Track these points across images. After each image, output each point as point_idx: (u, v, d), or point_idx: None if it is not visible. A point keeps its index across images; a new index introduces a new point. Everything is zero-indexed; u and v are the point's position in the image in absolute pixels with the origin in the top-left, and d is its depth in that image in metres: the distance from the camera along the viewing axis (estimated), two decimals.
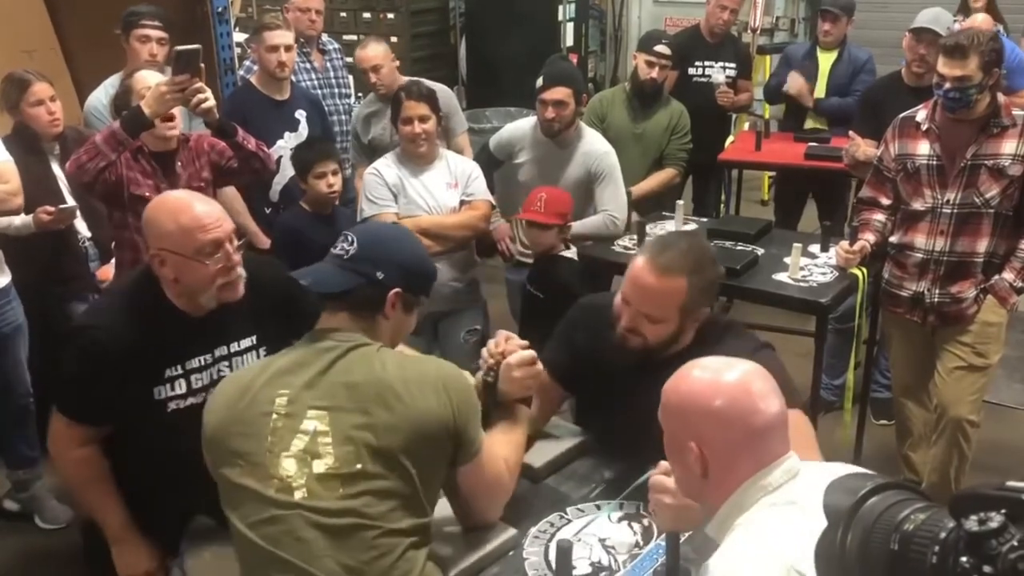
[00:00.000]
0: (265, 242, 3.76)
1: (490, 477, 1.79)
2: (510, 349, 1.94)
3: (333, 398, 1.66)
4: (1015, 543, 0.71)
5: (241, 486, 1.65)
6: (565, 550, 1.72)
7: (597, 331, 2.14)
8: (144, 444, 2.10)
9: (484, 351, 2.02)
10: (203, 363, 2.15)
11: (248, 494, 1.64)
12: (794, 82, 4.78)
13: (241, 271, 2.09)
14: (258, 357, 2.21)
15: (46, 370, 3.16)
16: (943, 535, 0.78)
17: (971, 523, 0.73)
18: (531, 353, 1.94)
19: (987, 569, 0.71)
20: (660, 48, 4.22)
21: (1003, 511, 0.73)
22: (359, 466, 1.61)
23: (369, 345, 1.73)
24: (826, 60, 4.79)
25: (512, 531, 1.87)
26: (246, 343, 2.22)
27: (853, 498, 0.88)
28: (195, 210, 2.05)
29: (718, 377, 1.44)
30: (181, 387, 2.12)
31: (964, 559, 0.73)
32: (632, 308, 2.01)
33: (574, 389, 2.28)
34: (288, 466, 1.62)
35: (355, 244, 1.79)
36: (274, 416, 1.65)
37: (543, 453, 2.15)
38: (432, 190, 3.33)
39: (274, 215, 3.88)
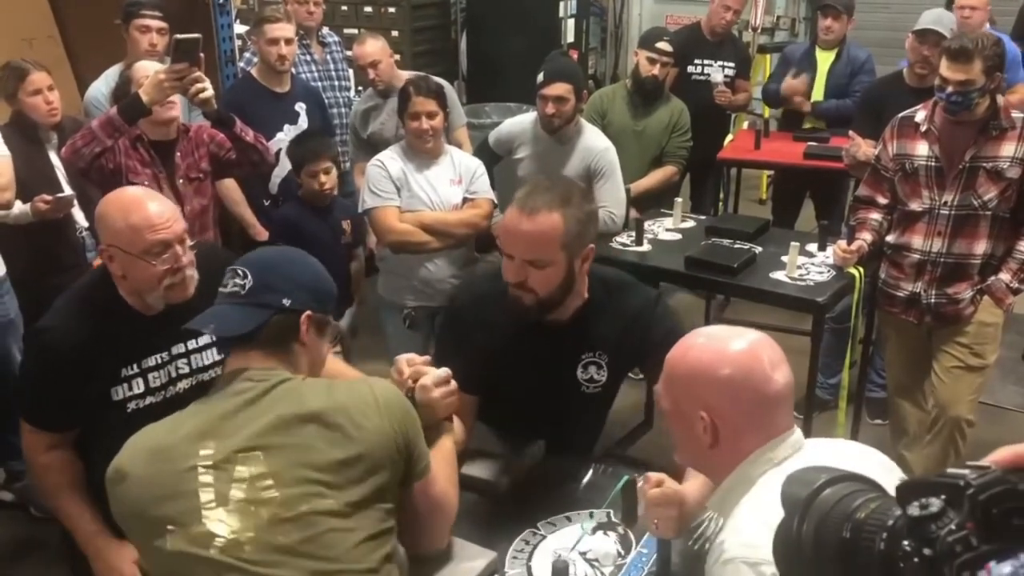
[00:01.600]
0: (263, 234, 3.76)
1: (440, 493, 1.69)
2: (420, 372, 1.82)
3: (266, 438, 1.49)
4: (952, 527, 0.74)
5: (178, 554, 1.44)
6: (562, 570, 1.68)
7: (485, 321, 2.09)
8: (107, 445, 1.99)
9: (403, 372, 1.89)
10: (160, 361, 2.10)
11: (188, 562, 1.44)
12: (789, 84, 4.78)
13: (191, 272, 2.03)
14: (218, 354, 2.14)
15: None
16: (891, 522, 0.80)
17: (913, 508, 0.76)
18: (445, 371, 1.82)
19: (927, 551, 0.74)
20: (662, 45, 4.22)
21: (943, 497, 0.76)
22: (308, 506, 1.45)
23: (292, 379, 1.58)
24: (825, 60, 4.79)
25: (492, 555, 1.79)
26: (204, 340, 2.16)
27: (809, 489, 0.90)
28: (146, 209, 2.00)
29: (727, 345, 1.44)
30: (139, 386, 2.08)
31: (906, 543, 0.76)
32: (516, 260, 1.96)
33: (481, 391, 2.14)
34: (231, 521, 1.44)
35: (249, 276, 1.63)
36: (200, 471, 1.47)
37: (500, 468, 2.09)
38: (436, 186, 3.33)
39: (273, 207, 3.88)
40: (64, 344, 2.01)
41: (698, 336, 1.49)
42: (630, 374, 2.43)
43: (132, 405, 2.08)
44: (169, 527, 1.45)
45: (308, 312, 1.65)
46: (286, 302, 1.62)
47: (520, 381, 2.10)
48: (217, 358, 2.16)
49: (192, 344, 2.15)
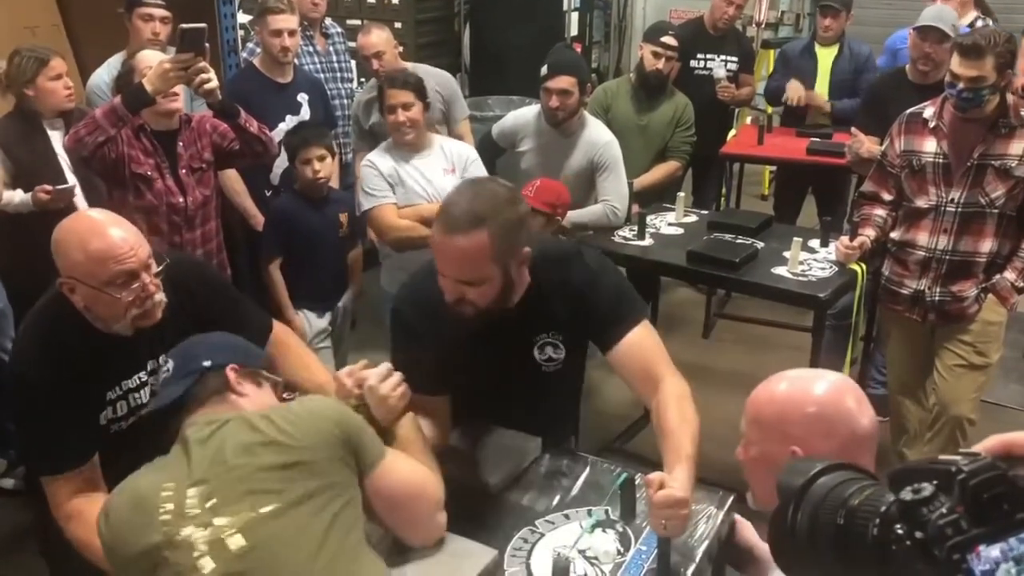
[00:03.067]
0: (261, 222, 3.76)
1: (402, 480, 1.69)
2: (361, 377, 1.83)
3: (212, 469, 1.55)
4: (943, 511, 0.76)
5: None
6: (563, 568, 1.68)
7: (432, 323, 2.02)
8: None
9: (346, 384, 1.89)
10: (140, 381, 2.04)
11: None
12: (794, 91, 4.76)
13: (159, 297, 1.92)
14: None
15: None
16: (883, 508, 0.82)
17: (906, 493, 0.79)
18: (384, 366, 1.84)
19: (918, 535, 0.76)
20: (667, 39, 4.21)
21: (935, 482, 0.78)
22: (260, 510, 1.51)
23: (227, 421, 1.63)
24: (826, 56, 4.78)
25: (492, 552, 1.78)
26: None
27: (804, 478, 0.92)
28: (107, 237, 1.86)
29: (814, 384, 1.47)
30: (122, 408, 2.03)
31: (898, 526, 0.78)
32: (449, 279, 1.90)
33: (447, 390, 2.10)
34: (188, 543, 1.49)
35: (170, 360, 1.80)
36: (160, 515, 1.52)
37: (496, 466, 2.07)
38: (430, 177, 3.31)
39: (274, 198, 3.88)
40: (47, 381, 1.92)
41: (782, 378, 1.50)
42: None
43: (114, 428, 2.03)
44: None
45: (231, 366, 1.76)
46: (206, 363, 1.74)
47: (481, 374, 2.06)
48: None
49: (163, 359, 2.03)
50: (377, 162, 3.30)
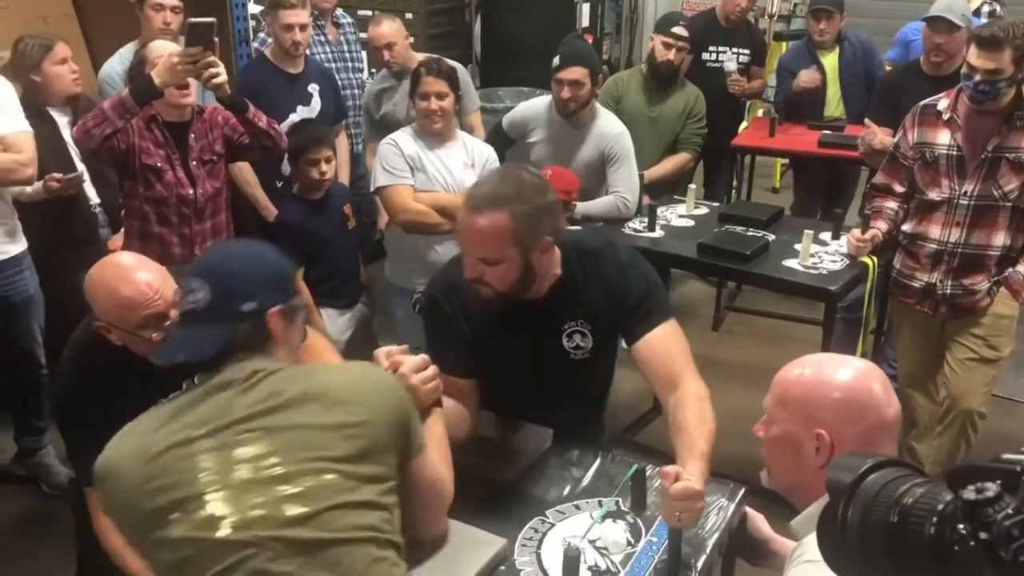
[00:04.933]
0: (273, 213, 3.76)
1: (435, 473, 1.69)
2: (398, 362, 1.78)
3: (265, 420, 1.48)
4: (1010, 511, 0.74)
5: (184, 540, 1.42)
6: (573, 558, 1.68)
7: (463, 307, 2.07)
8: None
9: (382, 363, 1.87)
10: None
11: (195, 547, 1.41)
12: (809, 78, 4.69)
13: None
14: None
15: (53, 340, 3.16)
16: (940, 507, 0.80)
17: (968, 493, 0.77)
18: (422, 357, 1.80)
19: (983, 535, 0.74)
20: (678, 30, 4.19)
21: (998, 482, 0.77)
22: (314, 481, 1.45)
23: (280, 368, 1.56)
24: (831, 60, 4.73)
25: (502, 541, 1.79)
26: None
27: (854, 475, 0.90)
28: (133, 284, 1.93)
29: (842, 368, 1.47)
30: None
31: (961, 527, 0.76)
32: (469, 258, 1.95)
33: (477, 375, 2.11)
34: (236, 501, 1.43)
35: (205, 289, 1.55)
36: (200, 458, 1.45)
37: (508, 456, 2.08)
38: (451, 168, 3.31)
39: (286, 188, 3.88)
40: (88, 401, 2.00)
41: (811, 361, 1.50)
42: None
43: None
44: (171, 516, 1.43)
45: (275, 308, 1.59)
46: (248, 306, 1.56)
47: (510, 360, 2.09)
48: None
49: (199, 379, 2.11)
50: (401, 143, 3.30)
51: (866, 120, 3.91)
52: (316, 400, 1.51)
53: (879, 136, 3.66)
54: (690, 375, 1.99)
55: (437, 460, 1.71)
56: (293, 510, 1.43)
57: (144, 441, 1.50)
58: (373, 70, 5.05)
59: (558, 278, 2.07)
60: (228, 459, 1.45)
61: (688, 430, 1.87)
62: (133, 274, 1.96)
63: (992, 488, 0.76)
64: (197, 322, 1.56)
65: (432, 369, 1.81)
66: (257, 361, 1.56)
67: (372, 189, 3.38)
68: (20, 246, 3.18)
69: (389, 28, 4.07)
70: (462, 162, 3.33)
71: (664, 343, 2.04)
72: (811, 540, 1.35)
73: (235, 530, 1.41)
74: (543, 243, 1.95)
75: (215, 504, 1.43)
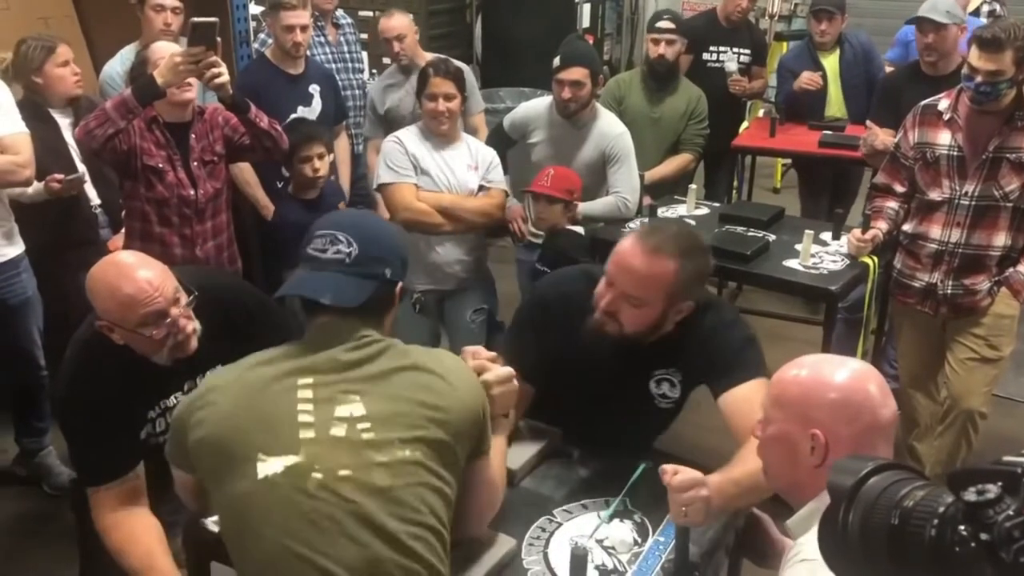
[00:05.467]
0: (272, 211, 3.76)
1: (492, 476, 1.74)
2: (484, 367, 1.83)
3: (367, 384, 1.56)
4: (1011, 512, 0.75)
5: (268, 483, 1.48)
6: (581, 557, 1.68)
7: (566, 320, 2.05)
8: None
9: (468, 362, 1.92)
10: (178, 401, 2.09)
11: (276, 492, 1.48)
12: (809, 79, 4.68)
13: (190, 328, 2.00)
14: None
15: (53, 340, 3.16)
16: (942, 509, 0.81)
17: (969, 495, 0.77)
18: (508, 370, 1.83)
19: (984, 537, 0.75)
20: (662, 24, 4.22)
21: (999, 483, 0.77)
22: (403, 454, 1.51)
23: (392, 344, 1.63)
24: (831, 61, 4.72)
25: (512, 541, 1.80)
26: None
27: (855, 478, 0.90)
28: (133, 282, 1.93)
29: (839, 369, 1.46)
30: (161, 425, 2.11)
31: (962, 528, 0.77)
32: (615, 289, 1.93)
33: (542, 384, 2.13)
34: (331, 456, 1.49)
35: (354, 245, 1.62)
36: (300, 404, 1.52)
37: (517, 455, 2.07)
38: (454, 168, 3.32)
39: (285, 188, 3.88)
40: (90, 402, 2.01)
41: (808, 361, 1.50)
42: None
43: (153, 441, 2.11)
44: (261, 455, 1.48)
45: (400, 283, 1.69)
46: (387, 272, 1.65)
47: (589, 388, 2.08)
48: None
49: (200, 379, 2.14)
50: (405, 141, 3.31)
51: (868, 122, 3.90)
52: (414, 376, 1.58)
53: (881, 137, 3.66)
54: None
55: (497, 466, 1.76)
56: (381, 480, 1.49)
57: (250, 375, 1.57)
58: (374, 70, 5.06)
59: (665, 335, 2.03)
60: (327, 412, 1.52)
61: (733, 462, 1.84)
62: (134, 272, 1.96)
63: (993, 490, 0.76)
64: (342, 271, 1.61)
65: (514, 382, 1.83)
66: (368, 327, 1.62)
67: (375, 186, 3.39)
68: (17, 249, 3.18)
69: (399, 21, 4.09)
70: (465, 164, 3.34)
71: (748, 398, 1.96)
72: (806, 539, 1.35)
73: (323, 485, 1.47)
74: (685, 306, 1.97)
75: (309, 455, 1.49)
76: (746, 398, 1.97)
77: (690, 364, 2.08)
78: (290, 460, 1.49)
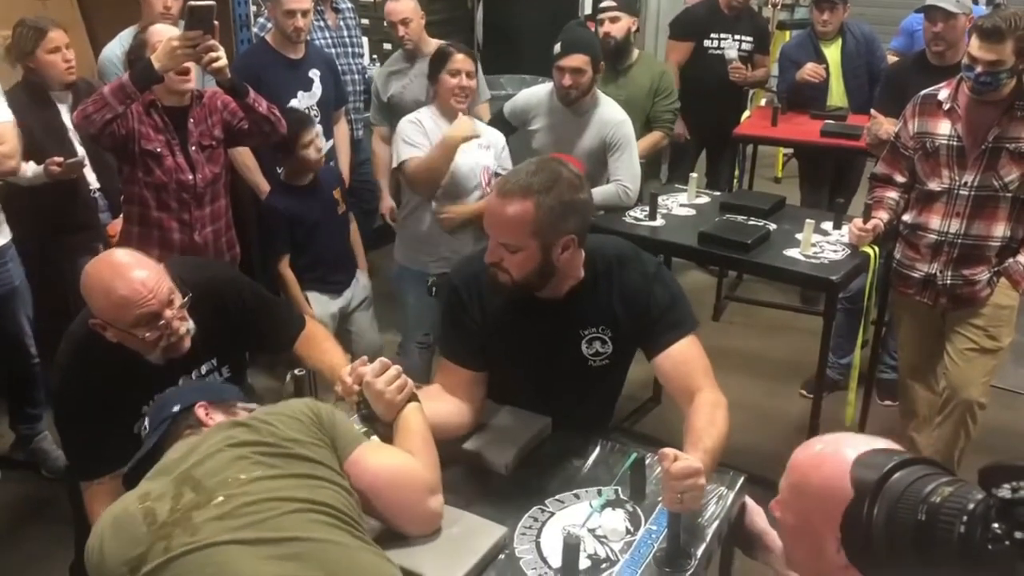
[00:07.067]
0: (267, 191, 3.75)
1: (379, 466, 1.70)
2: (361, 373, 1.90)
3: (201, 467, 1.59)
4: None
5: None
6: (573, 547, 1.68)
7: (480, 298, 2.10)
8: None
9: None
10: None
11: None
12: (812, 71, 4.65)
13: (184, 329, 2.01)
14: (219, 377, 2.22)
15: (51, 326, 3.15)
16: (971, 506, 0.80)
17: (1004, 491, 0.76)
18: (380, 361, 1.89)
19: (1018, 535, 0.74)
20: (605, 3, 4.18)
21: None
22: (247, 475, 1.54)
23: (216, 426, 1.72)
24: (833, 51, 4.70)
25: (502, 529, 1.80)
26: (206, 367, 2.20)
27: (879, 472, 0.88)
28: (127, 283, 1.94)
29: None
30: None
31: (996, 525, 0.76)
32: (492, 241, 1.98)
33: (487, 366, 2.14)
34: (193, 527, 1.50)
35: (145, 419, 1.86)
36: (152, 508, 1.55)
37: (506, 445, 2.07)
38: (467, 147, 3.32)
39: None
40: (85, 397, 2.03)
41: (826, 441, 1.26)
42: None
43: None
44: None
45: (200, 403, 1.79)
46: (176, 408, 1.78)
47: (524, 358, 2.11)
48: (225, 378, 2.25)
49: (196, 374, 2.18)
50: (423, 120, 3.36)
51: (872, 111, 3.89)
52: (240, 425, 1.64)
53: (885, 126, 3.64)
54: (708, 386, 2.00)
55: (384, 453, 1.75)
56: (242, 520, 1.48)
57: (124, 510, 1.57)
58: (374, 56, 5.03)
59: (580, 281, 2.07)
60: (173, 502, 1.53)
61: (696, 430, 1.88)
62: (129, 272, 1.96)
63: None
64: (145, 440, 1.80)
65: (394, 369, 1.89)
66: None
67: (394, 165, 3.40)
68: (3, 238, 3.17)
69: (406, 5, 4.07)
70: (477, 143, 3.34)
71: (684, 357, 2.04)
72: None
73: (187, 547, 1.46)
74: (565, 240, 1.96)
75: (170, 538, 1.48)
76: (682, 359, 2.03)
77: (619, 321, 2.09)
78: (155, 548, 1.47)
